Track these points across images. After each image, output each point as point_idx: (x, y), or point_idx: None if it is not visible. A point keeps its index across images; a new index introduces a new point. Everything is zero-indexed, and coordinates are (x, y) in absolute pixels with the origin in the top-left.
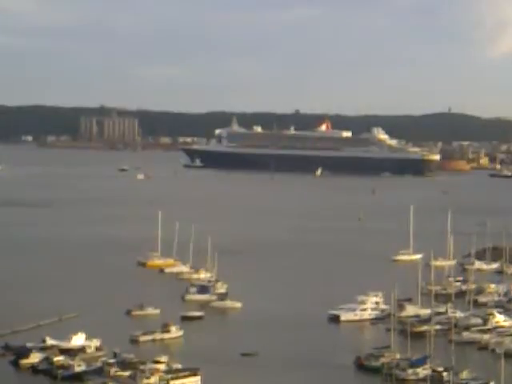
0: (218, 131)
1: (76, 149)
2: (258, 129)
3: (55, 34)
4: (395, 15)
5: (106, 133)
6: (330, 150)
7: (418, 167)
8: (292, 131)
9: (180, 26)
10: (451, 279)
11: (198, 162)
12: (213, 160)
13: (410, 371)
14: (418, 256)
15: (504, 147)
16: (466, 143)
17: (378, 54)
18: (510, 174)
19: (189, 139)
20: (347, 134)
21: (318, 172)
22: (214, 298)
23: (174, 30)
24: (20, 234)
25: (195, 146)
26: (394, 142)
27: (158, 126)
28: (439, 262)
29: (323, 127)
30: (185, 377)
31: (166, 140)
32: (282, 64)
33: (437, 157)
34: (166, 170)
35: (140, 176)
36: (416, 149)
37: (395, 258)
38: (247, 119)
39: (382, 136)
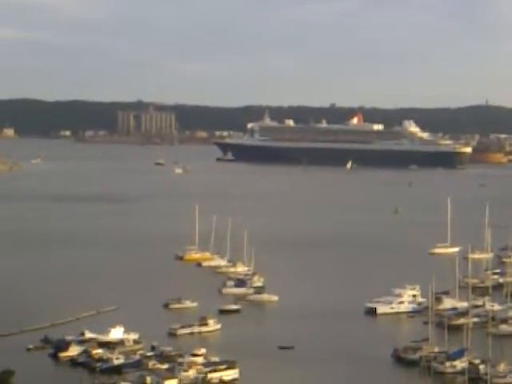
0: (250, 125)
1: (113, 143)
2: (290, 122)
3: (94, 29)
4: (431, 8)
5: (143, 127)
6: (361, 143)
7: (449, 160)
8: (324, 124)
9: (218, 21)
10: (489, 272)
11: (229, 156)
12: (245, 153)
13: (448, 364)
14: (456, 249)
15: None
16: (503, 136)
17: (415, 48)
18: None
19: (225, 133)
20: (378, 127)
21: (349, 165)
22: (250, 291)
23: (211, 26)
24: (49, 229)
25: (228, 140)
26: (425, 135)
27: (195, 121)
28: (477, 255)
29: (355, 120)
30: (222, 370)
31: (202, 134)
32: (319, 58)
33: (469, 149)
34: (202, 164)
35: (178, 170)
36: (448, 141)
37: (433, 250)
38: (283, 113)
39: (414, 129)
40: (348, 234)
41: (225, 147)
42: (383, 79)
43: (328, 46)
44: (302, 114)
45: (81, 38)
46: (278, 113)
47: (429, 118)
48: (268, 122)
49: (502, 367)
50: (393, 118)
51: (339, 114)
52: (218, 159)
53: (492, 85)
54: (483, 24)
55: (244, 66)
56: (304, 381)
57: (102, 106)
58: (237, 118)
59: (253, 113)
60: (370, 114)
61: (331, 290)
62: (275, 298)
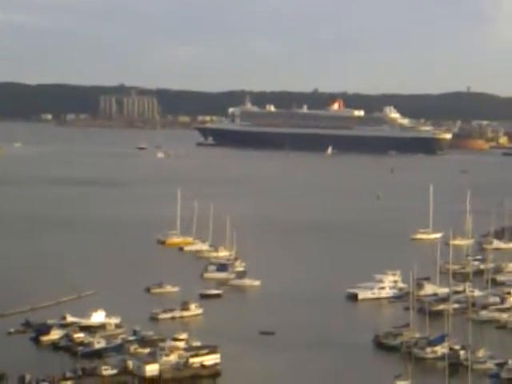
0: (231, 110)
1: (95, 127)
2: (271, 107)
3: (78, 14)
4: None
5: (126, 111)
6: (341, 128)
7: (429, 146)
8: (305, 110)
9: (200, 6)
10: (470, 258)
11: (210, 140)
12: (225, 138)
13: (429, 350)
14: (437, 235)
15: None
16: (485, 122)
17: (398, 34)
18: None
19: (207, 118)
20: (359, 112)
21: (329, 151)
22: (232, 276)
23: (194, 11)
24: (31, 213)
25: (209, 125)
26: (405, 121)
27: (177, 105)
28: (458, 241)
29: (336, 106)
30: (204, 354)
31: (184, 118)
32: (303, 43)
33: (449, 136)
34: (184, 149)
35: (160, 154)
36: (428, 127)
37: (414, 236)
38: (266, 98)
39: (394, 115)
40: (330, 219)
41: (206, 132)
42: (366, 65)
43: (312, 32)
44: (285, 100)
45: (65, 22)
46: (261, 98)
47: (411, 105)
48: (249, 106)
49: (481, 353)
50: (375, 104)
51: (322, 100)
52: (199, 144)
53: (474, 71)
54: (466, 11)
55: (228, 51)
56: (285, 366)
57: (85, 89)
58: (219, 102)
59: (235, 98)
60: (352, 100)
61: (313, 276)
62: (257, 282)
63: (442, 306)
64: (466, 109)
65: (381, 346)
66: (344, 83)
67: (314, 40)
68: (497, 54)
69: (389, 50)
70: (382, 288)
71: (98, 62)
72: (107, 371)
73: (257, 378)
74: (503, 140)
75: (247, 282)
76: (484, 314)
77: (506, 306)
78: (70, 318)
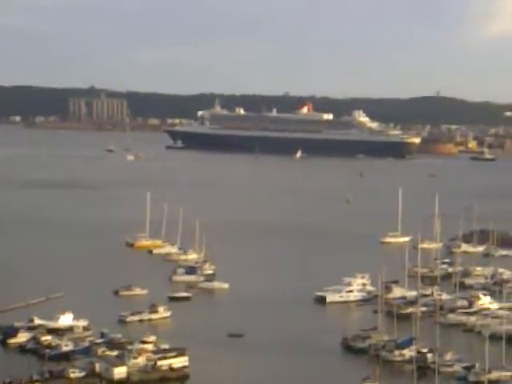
0: (200, 113)
1: (64, 130)
2: (241, 111)
3: (48, 15)
4: None
5: (95, 114)
6: (310, 132)
7: (398, 150)
8: (274, 113)
9: (172, 8)
10: (438, 262)
11: (179, 144)
12: (194, 141)
13: (396, 352)
14: (406, 238)
15: (492, 131)
16: (454, 127)
17: (367, 38)
18: (491, 156)
19: (177, 121)
20: (328, 116)
21: (298, 154)
22: (201, 278)
23: (165, 13)
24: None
25: (178, 128)
26: (374, 125)
27: (147, 108)
28: (426, 245)
29: (305, 110)
30: (172, 357)
31: (154, 121)
32: (273, 47)
33: (417, 140)
34: (153, 151)
35: (130, 157)
36: (396, 132)
37: (383, 240)
38: (236, 101)
39: (363, 119)
40: (299, 222)
41: (175, 135)
42: (336, 69)
43: (282, 35)
44: (255, 103)
45: (35, 23)
46: (231, 101)
47: (380, 109)
48: (219, 109)
49: (449, 356)
50: (344, 107)
51: (292, 103)
52: (168, 147)
53: (443, 76)
54: (435, 15)
55: (198, 53)
56: (253, 369)
57: (55, 92)
58: (189, 105)
59: (205, 101)
60: (322, 104)
61: (282, 279)
62: (226, 285)
63: (410, 309)
64: (435, 113)
65: (349, 348)
66: (314, 87)
67: (284, 43)
68: (466, 59)
69: (358, 55)
70: (351, 291)
71: (68, 65)
72: (75, 374)
73: (225, 381)
74: (472, 144)
75: (216, 284)
76: (452, 317)
77: (474, 309)
78: (37, 321)
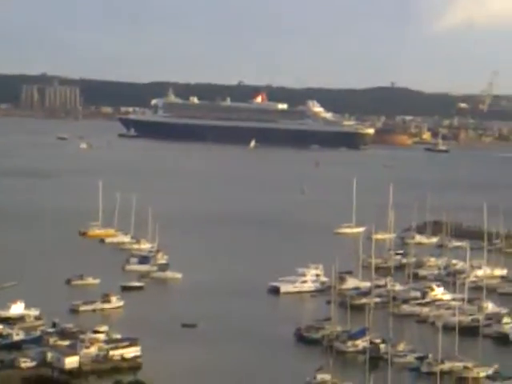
0: (153, 101)
1: (16, 117)
2: (195, 99)
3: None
4: None
5: (48, 101)
6: (264, 121)
7: (352, 140)
8: (228, 102)
9: None
10: (391, 252)
11: (132, 132)
12: (148, 130)
13: (349, 343)
14: (360, 229)
15: (446, 122)
16: (408, 118)
17: (323, 29)
18: (444, 148)
19: (130, 109)
20: (282, 106)
21: (252, 144)
22: (154, 268)
23: (120, 1)
24: None
25: (131, 116)
26: (328, 115)
27: (100, 96)
28: (380, 236)
29: (259, 99)
30: (124, 347)
31: (107, 109)
32: (229, 35)
33: (371, 130)
34: (106, 140)
35: (82, 145)
36: (351, 122)
37: (337, 230)
38: (190, 90)
39: (317, 109)
40: (254, 212)
41: (128, 123)
42: (292, 59)
43: (238, 24)
44: (210, 92)
45: None
46: (186, 90)
47: (336, 99)
48: (172, 98)
49: (402, 347)
50: (299, 97)
51: (246, 92)
52: (121, 135)
53: (398, 67)
54: (391, 7)
55: (153, 41)
56: (206, 359)
57: (6, 78)
58: (143, 94)
59: (159, 89)
60: (277, 93)
61: (236, 269)
62: (179, 275)
63: (363, 300)
64: (390, 104)
65: (302, 339)
66: (269, 76)
67: (239, 32)
68: (421, 50)
69: (314, 45)
70: (305, 281)
71: (20, 51)
72: (26, 363)
73: (178, 371)
74: (426, 135)
75: (169, 274)
76: (405, 308)
77: (427, 300)
78: None
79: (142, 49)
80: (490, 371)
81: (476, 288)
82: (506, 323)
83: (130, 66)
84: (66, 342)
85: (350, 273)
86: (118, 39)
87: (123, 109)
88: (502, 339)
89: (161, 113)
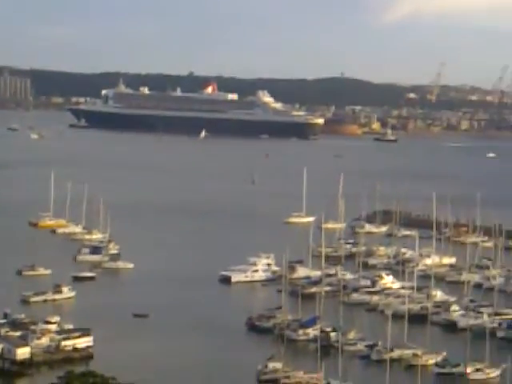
0: (104, 92)
1: None
2: (145, 90)
3: None
4: None
5: None
6: (214, 112)
7: (302, 130)
8: (179, 93)
9: None
10: (342, 242)
11: (83, 122)
12: (98, 120)
13: (300, 332)
14: (311, 219)
15: (395, 112)
16: (358, 108)
17: (273, 19)
18: (393, 138)
19: (82, 99)
20: (233, 96)
21: (202, 134)
22: (106, 258)
23: None
24: None
25: (81, 106)
26: (278, 105)
27: (51, 86)
28: (330, 225)
29: (209, 89)
30: (76, 337)
31: (58, 100)
32: (178, 25)
33: (321, 120)
34: (57, 130)
35: (33, 135)
36: (300, 112)
37: (288, 220)
38: (141, 80)
39: (267, 99)
40: (205, 202)
41: (78, 114)
42: (242, 49)
43: (188, 15)
44: (160, 82)
45: None
46: (136, 80)
47: (286, 89)
48: (123, 88)
49: (352, 335)
50: (250, 88)
51: (197, 83)
52: (72, 125)
53: (348, 57)
54: None
55: (104, 31)
56: (158, 348)
57: None
58: (94, 84)
59: (110, 79)
60: (228, 84)
61: (187, 258)
62: (130, 265)
63: (314, 289)
64: (339, 94)
65: (254, 328)
66: (220, 67)
67: (190, 23)
68: (370, 41)
69: (264, 35)
70: (256, 271)
71: None
72: None
73: (130, 361)
74: (376, 125)
75: (121, 264)
76: (355, 296)
77: (377, 288)
78: None
79: (92, 39)
80: (439, 358)
81: (425, 276)
82: (454, 311)
83: (81, 57)
84: (18, 333)
85: (300, 262)
86: (68, 30)
87: (74, 99)
88: (450, 327)
89: (111, 103)
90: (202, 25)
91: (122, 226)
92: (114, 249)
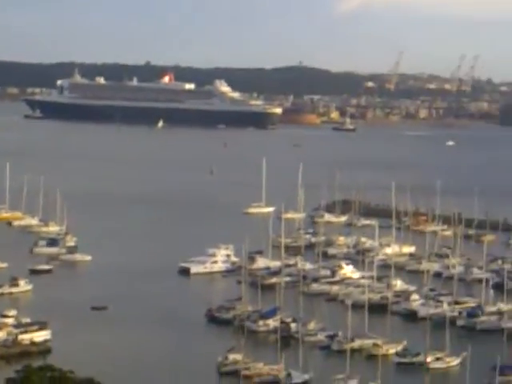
0: (59, 82)
1: None
2: (101, 80)
3: None
4: None
5: None
6: (172, 102)
7: (260, 120)
8: (135, 83)
9: None
10: (301, 232)
11: (38, 113)
12: (53, 111)
13: (261, 323)
14: (270, 209)
15: (354, 101)
16: (316, 97)
17: (231, 8)
18: (352, 127)
19: (37, 90)
20: (190, 86)
21: (160, 124)
22: (63, 251)
23: None
24: None
25: (36, 97)
26: (236, 95)
27: (6, 76)
28: (290, 215)
29: (166, 79)
30: (34, 331)
31: (13, 90)
32: (135, 14)
33: (279, 110)
34: (11, 121)
35: None
36: (258, 102)
37: (247, 210)
38: (97, 70)
39: (225, 88)
40: (163, 193)
41: (33, 104)
42: (199, 38)
43: (146, 3)
44: (117, 72)
45: None
46: (92, 70)
47: (244, 79)
48: (78, 78)
49: (312, 325)
50: (208, 77)
51: (154, 73)
52: (26, 116)
53: (306, 46)
54: None
55: (59, 21)
56: (117, 341)
57: None
58: (50, 74)
59: (65, 69)
60: (185, 73)
61: (146, 250)
62: (88, 257)
63: (274, 280)
64: (298, 83)
65: (213, 319)
66: (177, 56)
67: (147, 12)
68: (329, 30)
69: (221, 24)
70: (215, 262)
71: None
72: None
73: (88, 354)
74: (335, 115)
75: (78, 256)
76: (315, 286)
77: (337, 278)
78: None
79: (47, 29)
80: (399, 348)
81: (385, 266)
82: (414, 300)
83: (36, 47)
84: None
85: (260, 252)
86: (23, 19)
87: (30, 90)
88: (410, 316)
89: (67, 93)
90: (158, 14)
91: (80, 217)
92: (71, 241)
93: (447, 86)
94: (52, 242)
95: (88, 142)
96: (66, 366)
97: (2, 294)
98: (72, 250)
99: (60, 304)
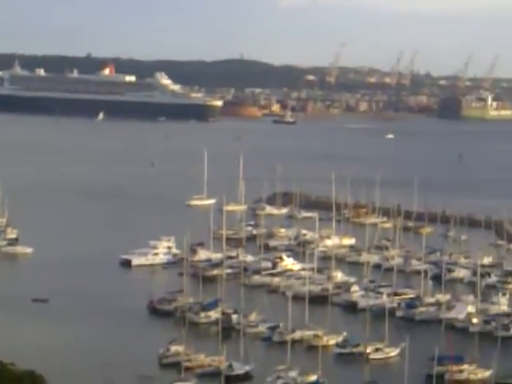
0: None
1: None
2: (41, 71)
3: None
4: None
5: None
6: (112, 94)
7: (201, 113)
8: (75, 75)
9: None
10: (243, 224)
11: None
12: None
13: (202, 314)
14: (211, 201)
15: (295, 94)
16: (258, 90)
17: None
18: (292, 120)
19: None
20: (130, 78)
21: (100, 116)
22: (3, 243)
23: None
24: None
25: None
26: (177, 87)
27: None
28: (231, 207)
29: (107, 71)
30: None
31: None
32: (74, 5)
33: (219, 103)
34: None
35: None
36: (199, 94)
37: (189, 202)
38: (38, 62)
39: (165, 81)
40: (105, 185)
41: None
42: (141, 30)
43: None
44: (58, 64)
45: None
46: (33, 62)
47: (185, 71)
48: (18, 70)
49: (253, 317)
50: (149, 69)
51: (95, 65)
52: None
53: (247, 39)
54: None
55: None
56: (58, 334)
57: None
58: None
59: (6, 61)
60: (126, 66)
61: (87, 242)
62: (29, 250)
63: (215, 271)
64: (239, 76)
65: (155, 311)
66: (118, 48)
67: (88, 2)
68: (269, 22)
69: (162, 16)
70: (156, 254)
71: None
72: None
73: (29, 347)
74: (276, 108)
75: (19, 249)
76: (256, 278)
77: (278, 270)
78: None
79: None
80: (340, 339)
81: (325, 257)
82: (355, 291)
83: None
84: None
85: (201, 244)
86: None
87: None
88: (350, 307)
89: (7, 85)
90: (100, 5)
91: (22, 210)
92: (12, 233)
93: (387, 80)
94: None
95: (28, 134)
96: (5, 359)
97: None
98: (13, 243)
99: (0, 296)
